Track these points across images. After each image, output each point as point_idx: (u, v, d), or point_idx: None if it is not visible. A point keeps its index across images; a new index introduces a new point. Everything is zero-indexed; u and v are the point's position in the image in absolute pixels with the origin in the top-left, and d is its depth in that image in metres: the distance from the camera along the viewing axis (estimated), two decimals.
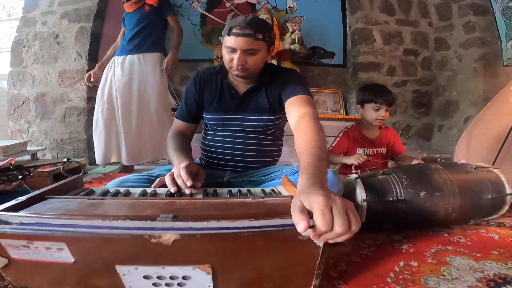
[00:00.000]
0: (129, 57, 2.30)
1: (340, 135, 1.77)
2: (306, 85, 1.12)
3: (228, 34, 1.04)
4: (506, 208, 1.21)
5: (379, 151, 1.75)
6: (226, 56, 1.08)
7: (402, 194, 1.09)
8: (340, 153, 1.76)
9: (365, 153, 1.70)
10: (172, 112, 2.43)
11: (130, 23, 2.33)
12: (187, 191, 0.82)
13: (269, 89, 1.14)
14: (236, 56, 1.04)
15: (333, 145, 1.76)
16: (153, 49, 2.33)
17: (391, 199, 1.09)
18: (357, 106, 1.78)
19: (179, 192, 0.82)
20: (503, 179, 1.20)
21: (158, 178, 0.88)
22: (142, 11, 2.31)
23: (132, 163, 2.38)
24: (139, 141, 2.33)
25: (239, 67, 1.06)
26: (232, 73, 1.12)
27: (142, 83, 2.30)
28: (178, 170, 0.85)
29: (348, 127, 1.80)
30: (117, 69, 2.30)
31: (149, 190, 0.83)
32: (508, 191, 1.18)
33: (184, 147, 1.09)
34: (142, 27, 2.30)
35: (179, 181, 0.83)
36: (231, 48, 1.04)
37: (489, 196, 1.13)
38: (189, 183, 0.82)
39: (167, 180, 0.84)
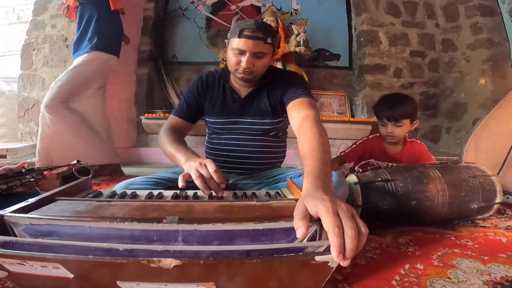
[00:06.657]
0: None
1: (358, 143, 1.64)
2: (307, 87, 1.12)
3: (239, 36, 1.02)
4: (491, 212, 1.26)
5: (393, 166, 1.61)
6: (232, 58, 1.06)
7: (394, 203, 1.17)
8: (351, 161, 1.64)
9: (378, 165, 1.58)
10: None
11: None
12: (220, 194, 0.80)
13: (270, 92, 1.14)
14: (244, 59, 1.03)
15: (346, 151, 1.63)
16: None
17: (384, 207, 1.17)
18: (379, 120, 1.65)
19: (185, 194, 0.83)
20: (498, 188, 1.23)
21: (181, 176, 0.82)
22: None
23: None
24: None
25: (246, 70, 1.05)
26: (236, 76, 1.11)
27: None
28: (208, 170, 0.82)
29: (370, 137, 1.65)
30: None
31: (155, 192, 0.84)
32: (498, 200, 1.22)
33: (185, 143, 1.06)
34: None
35: (211, 184, 0.81)
36: (240, 50, 1.03)
37: (475, 206, 1.19)
38: (223, 186, 0.81)
39: (199, 183, 0.80)
